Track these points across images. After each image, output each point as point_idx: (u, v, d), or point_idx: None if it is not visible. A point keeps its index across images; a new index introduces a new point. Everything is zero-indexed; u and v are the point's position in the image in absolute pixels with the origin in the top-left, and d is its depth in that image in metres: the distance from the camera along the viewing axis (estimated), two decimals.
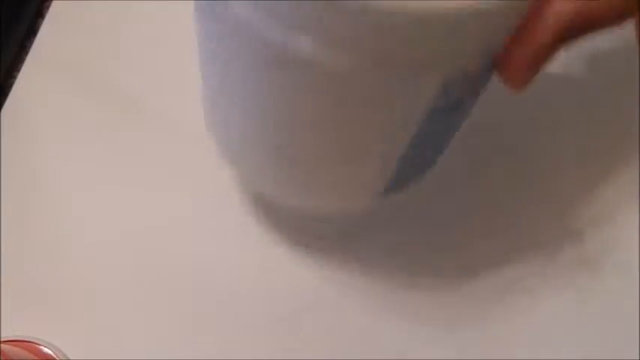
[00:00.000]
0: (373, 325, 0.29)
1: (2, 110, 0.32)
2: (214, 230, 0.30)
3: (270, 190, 0.27)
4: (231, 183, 0.31)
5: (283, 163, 0.23)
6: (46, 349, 0.26)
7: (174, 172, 0.31)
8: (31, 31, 0.35)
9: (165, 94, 0.33)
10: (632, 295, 0.30)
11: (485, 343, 0.28)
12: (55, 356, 0.26)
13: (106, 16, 0.36)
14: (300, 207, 0.27)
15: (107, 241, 0.30)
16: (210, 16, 0.18)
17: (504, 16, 0.15)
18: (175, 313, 0.28)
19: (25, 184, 0.31)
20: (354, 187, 0.25)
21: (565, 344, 0.29)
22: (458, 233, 0.30)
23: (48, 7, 0.36)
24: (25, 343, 0.27)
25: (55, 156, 0.31)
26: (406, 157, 0.22)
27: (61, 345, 0.27)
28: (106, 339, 0.28)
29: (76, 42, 0.35)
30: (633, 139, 0.34)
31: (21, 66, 0.34)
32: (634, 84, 0.37)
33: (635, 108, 0.36)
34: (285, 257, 0.30)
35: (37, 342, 0.27)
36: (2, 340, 0.26)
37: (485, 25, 0.15)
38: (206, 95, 0.24)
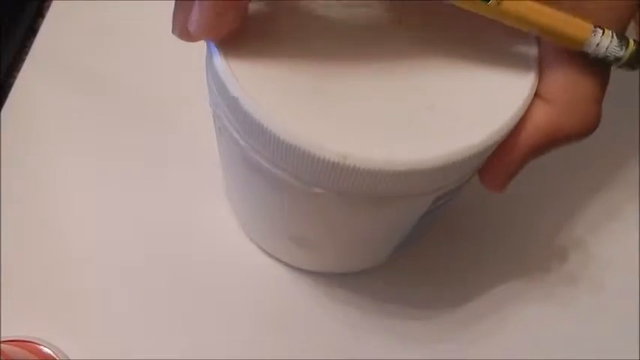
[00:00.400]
0: (364, 328, 0.29)
1: (2, 110, 0.32)
2: (215, 231, 0.30)
3: (279, 256, 0.30)
4: None
5: (294, 245, 0.26)
6: (46, 349, 0.26)
7: (175, 172, 0.31)
8: (31, 31, 0.35)
9: (166, 94, 0.33)
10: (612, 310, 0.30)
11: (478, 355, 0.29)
12: (55, 356, 0.26)
13: (106, 16, 0.36)
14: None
15: (107, 241, 0.30)
16: (235, 157, 0.21)
17: (490, 149, 0.18)
18: (176, 313, 0.28)
19: (25, 184, 0.31)
20: (358, 261, 0.29)
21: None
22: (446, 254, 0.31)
23: (48, 7, 0.36)
24: (26, 343, 0.26)
25: (55, 156, 0.31)
26: (405, 238, 0.25)
27: (62, 345, 0.27)
28: (106, 339, 0.28)
29: (76, 42, 0.35)
30: (630, 154, 0.34)
31: (21, 66, 0.34)
32: (634, 84, 0.37)
33: (635, 108, 0.36)
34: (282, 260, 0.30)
35: (38, 342, 0.27)
36: (2, 340, 0.26)
37: (471, 160, 0.17)
38: (226, 183, 0.28)
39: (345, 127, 0.17)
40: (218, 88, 0.18)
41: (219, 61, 0.17)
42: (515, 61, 0.18)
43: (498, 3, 0.16)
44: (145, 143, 0.32)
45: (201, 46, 0.22)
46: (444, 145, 0.17)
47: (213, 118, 0.21)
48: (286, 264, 0.29)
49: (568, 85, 0.17)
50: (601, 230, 0.32)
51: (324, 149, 0.16)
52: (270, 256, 0.30)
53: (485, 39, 0.18)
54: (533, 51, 0.18)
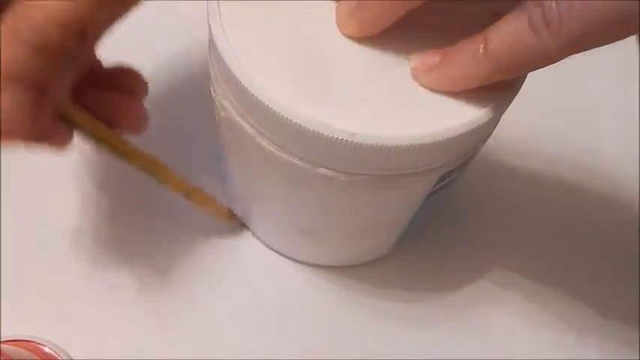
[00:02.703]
0: (362, 327, 0.29)
1: None
2: (218, 231, 0.30)
3: (285, 251, 0.30)
4: None
5: (301, 239, 0.27)
6: (47, 349, 0.26)
7: (174, 169, 0.31)
8: None
9: (166, 93, 0.33)
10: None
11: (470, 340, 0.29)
12: (56, 356, 0.26)
13: None
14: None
15: (108, 241, 0.30)
16: (242, 147, 0.21)
17: (488, 124, 0.18)
18: (179, 312, 0.28)
19: (25, 183, 0.31)
20: (364, 250, 0.29)
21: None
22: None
23: None
24: (26, 343, 0.26)
25: (55, 155, 0.31)
26: (410, 223, 0.25)
27: (63, 344, 0.27)
28: (108, 338, 0.28)
29: None
30: (630, 152, 0.34)
31: None
32: (634, 84, 0.37)
33: (635, 108, 0.36)
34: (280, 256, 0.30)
35: (38, 341, 0.27)
36: (3, 340, 0.26)
37: (472, 135, 0.18)
38: (229, 181, 0.28)
39: (350, 107, 0.17)
40: (224, 76, 0.18)
41: (225, 48, 0.18)
42: None
43: None
44: (144, 142, 0.32)
45: (200, 43, 0.22)
46: (444, 121, 0.17)
47: (217, 110, 0.21)
48: (293, 259, 0.29)
49: None
50: (601, 226, 0.32)
51: (332, 128, 0.17)
52: (276, 252, 0.30)
53: (473, 24, 0.19)
54: None
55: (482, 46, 0.17)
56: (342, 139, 0.17)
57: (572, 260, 0.31)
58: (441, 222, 0.31)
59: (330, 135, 0.17)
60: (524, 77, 0.19)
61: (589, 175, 0.34)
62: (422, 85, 0.18)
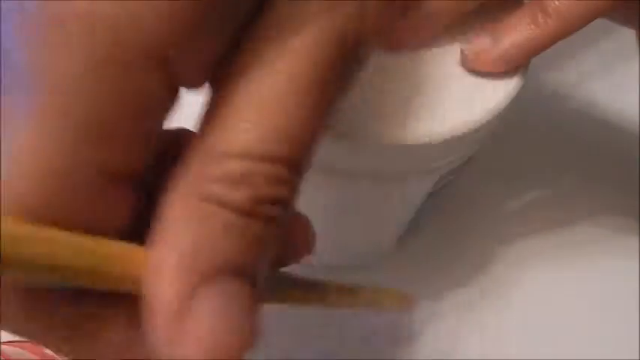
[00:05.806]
0: (363, 326, 0.29)
1: None
2: None
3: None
4: None
5: None
6: (47, 350, 0.26)
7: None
8: None
9: None
10: None
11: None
12: (57, 356, 0.26)
13: None
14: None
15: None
16: None
17: (487, 125, 0.19)
18: None
19: None
20: (363, 251, 0.29)
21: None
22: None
23: None
24: (26, 343, 0.26)
25: None
26: (410, 222, 0.26)
27: None
28: None
29: None
30: (630, 153, 0.34)
31: None
32: (634, 84, 0.37)
33: (635, 108, 0.36)
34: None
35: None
36: (3, 340, 0.26)
37: (471, 136, 0.19)
38: None
39: (350, 107, 0.17)
40: None
41: None
42: None
43: None
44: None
45: None
46: (445, 121, 0.18)
47: None
48: None
49: None
50: (601, 225, 0.32)
51: (331, 128, 0.17)
52: None
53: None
54: None
55: (539, 10, 0.18)
56: (342, 139, 0.17)
57: (573, 258, 0.31)
58: (441, 221, 0.31)
59: (330, 134, 0.17)
60: (525, 77, 0.19)
61: (590, 173, 0.34)
62: (476, 69, 0.19)
